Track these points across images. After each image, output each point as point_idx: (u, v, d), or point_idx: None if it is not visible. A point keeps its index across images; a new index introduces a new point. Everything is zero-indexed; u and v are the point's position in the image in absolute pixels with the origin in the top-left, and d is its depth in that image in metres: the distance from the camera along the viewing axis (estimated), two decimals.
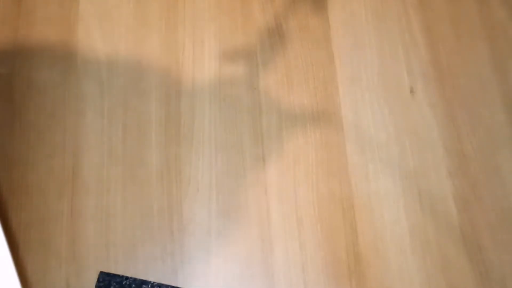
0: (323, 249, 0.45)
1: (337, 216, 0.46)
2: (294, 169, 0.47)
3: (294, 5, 0.51)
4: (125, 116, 0.46)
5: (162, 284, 0.42)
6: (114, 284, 0.41)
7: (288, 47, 0.50)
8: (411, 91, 0.50)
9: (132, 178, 0.44)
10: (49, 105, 0.45)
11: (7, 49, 0.46)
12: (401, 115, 0.49)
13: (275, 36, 0.50)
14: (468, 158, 0.48)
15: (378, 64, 0.50)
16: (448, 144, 0.49)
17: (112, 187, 0.44)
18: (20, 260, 0.40)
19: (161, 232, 0.44)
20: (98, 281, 0.41)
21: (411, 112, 0.49)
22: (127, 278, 0.42)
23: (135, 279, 0.42)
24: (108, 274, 0.42)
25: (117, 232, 0.43)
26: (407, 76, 0.50)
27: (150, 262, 0.43)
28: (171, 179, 0.45)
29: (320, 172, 0.47)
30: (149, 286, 0.42)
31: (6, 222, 0.40)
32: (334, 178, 0.47)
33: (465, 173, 0.48)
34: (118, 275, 0.42)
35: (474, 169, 0.48)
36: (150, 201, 0.44)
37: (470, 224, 0.47)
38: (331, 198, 0.46)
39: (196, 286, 0.43)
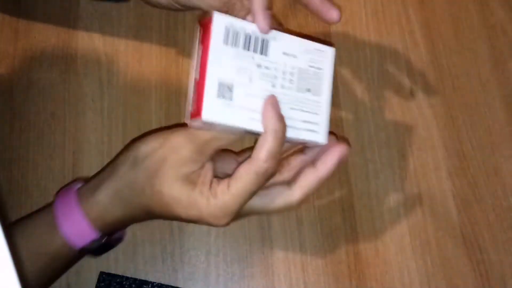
0: (323, 248, 0.45)
1: (337, 216, 0.46)
2: None
3: (294, 5, 0.51)
4: (125, 116, 0.46)
5: (162, 284, 0.42)
6: (114, 284, 0.41)
7: None
8: (411, 91, 0.50)
9: None
10: (49, 105, 0.45)
11: (7, 48, 0.46)
12: (401, 115, 0.49)
13: None
14: (468, 158, 0.48)
15: (378, 64, 0.50)
16: (448, 144, 0.49)
17: None
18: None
19: (161, 232, 0.44)
20: (99, 281, 0.41)
21: (411, 112, 0.49)
22: (127, 278, 0.42)
23: (135, 280, 0.42)
24: (109, 274, 0.42)
25: None
26: (407, 76, 0.50)
27: (150, 262, 0.43)
28: None
29: None
30: (149, 286, 0.42)
31: (6, 221, 0.40)
32: (334, 178, 0.47)
33: (465, 173, 0.48)
34: (118, 275, 0.42)
35: (474, 169, 0.48)
36: None
37: (470, 224, 0.47)
38: (330, 198, 0.46)
39: (196, 286, 0.43)
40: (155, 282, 0.42)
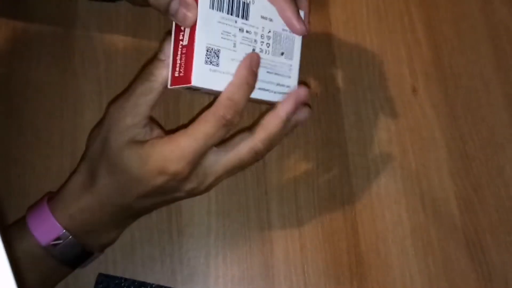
0: (324, 250, 0.44)
1: (338, 217, 0.45)
2: (294, 169, 0.46)
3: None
4: None
5: (161, 286, 0.42)
6: (113, 285, 0.41)
7: None
8: (413, 90, 0.50)
9: None
10: (46, 104, 0.45)
11: (5, 48, 0.46)
12: (403, 115, 0.49)
13: None
14: (470, 158, 0.48)
15: (380, 63, 0.50)
16: (450, 144, 0.48)
17: None
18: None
19: (160, 233, 0.43)
20: (97, 282, 0.41)
21: (413, 111, 0.49)
22: (125, 279, 0.42)
23: (134, 281, 0.42)
24: (107, 276, 0.42)
25: None
26: (409, 75, 0.50)
27: (148, 263, 0.43)
28: None
29: (320, 172, 0.46)
30: (148, 287, 0.42)
31: (4, 222, 0.40)
32: (335, 178, 0.46)
33: (467, 173, 0.48)
34: (117, 277, 0.42)
35: (477, 170, 0.48)
36: None
37: (473, 225, 0.46)
38: (331, 198, 0.46)
39: None
40: (154, 284, 0.42)
